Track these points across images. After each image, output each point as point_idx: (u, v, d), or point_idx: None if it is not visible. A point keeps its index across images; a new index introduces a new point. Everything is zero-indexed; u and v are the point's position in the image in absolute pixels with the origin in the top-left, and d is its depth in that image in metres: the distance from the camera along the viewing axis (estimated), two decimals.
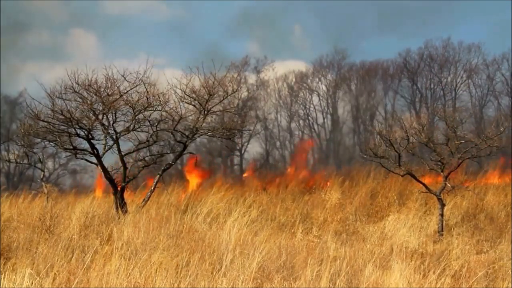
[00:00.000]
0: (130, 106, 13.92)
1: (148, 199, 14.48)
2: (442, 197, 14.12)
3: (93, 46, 55.85)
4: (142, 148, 14.80)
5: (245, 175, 29.44)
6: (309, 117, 45.53)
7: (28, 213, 13.85)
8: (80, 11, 57.67)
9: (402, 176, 15.24)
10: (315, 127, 45.29)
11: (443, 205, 14.05)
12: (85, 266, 8.62)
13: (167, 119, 14.41)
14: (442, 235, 13.48)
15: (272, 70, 45.17)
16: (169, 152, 15.37)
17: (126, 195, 14.61)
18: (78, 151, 14.24)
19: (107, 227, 11.34)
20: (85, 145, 14.19)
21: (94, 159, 14.10)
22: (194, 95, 14.37)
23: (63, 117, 13.34)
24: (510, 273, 9.92)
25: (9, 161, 21.24)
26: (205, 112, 14.41)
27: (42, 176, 18.08)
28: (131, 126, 14.07)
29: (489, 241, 12.62)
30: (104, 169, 13.94)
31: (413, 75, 44.10)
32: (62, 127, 13.70)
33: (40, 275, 8.25)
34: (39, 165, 18.61)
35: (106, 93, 13.65)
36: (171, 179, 23.13)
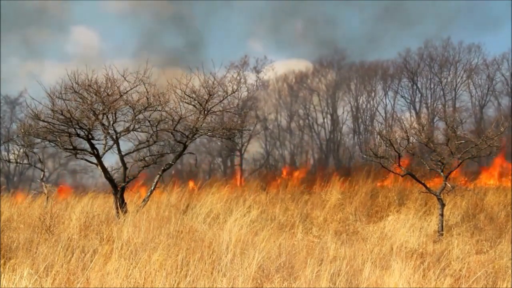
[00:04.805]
0: (130, 106, 13.93)
1: (148, 199, 14.49)
2: (442, 197, 14.13)
3: (94, 45, 55.77)
4: (142, 148, 14.80)
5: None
6: (309, 117, 45.51)
7: (28, 213, 13.85)
8: (81, 9, 57.55)
9: (402, 176, 15.26)
10: (315, 127, 45.28)
11: (443, 205, 14.06)
12: (85, 266, 8.63)
13: (167, 119, 14.41)
14: (442, 235, 13.49)
15: (272, 70, 45.17)
16: (169, 152, 15.37)
17: (125, 195, 14.62)
18: (78, 151, 14.24)
19: (107, 227, 11.35)
20: (85, 145, 14.20)
21: (94, 159, 14.10)
22: (194, 95, 14.37)
23: (63, 117, 13.33)
24: (510, 273, 9.93)
25: (9, 161, 21.23)
26: (205, 112, 14.41)
27: (42, 176, 18.07)
28: (131, 126, 14.08)
29: (489, 241, 12.64)
30: (104, 169, 13.94)
31: (413, 75, 44.06)
32: (62, 127, 13.69)
33: (40, 275, 8.25)
34: (39, 165, 18.61)
35: (106, 93, 13.65)
36: (171, 179, 23.14)
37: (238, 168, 41.71)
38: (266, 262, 8.84)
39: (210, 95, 14.33)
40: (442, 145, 14.49)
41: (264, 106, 45.25)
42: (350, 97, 45.43)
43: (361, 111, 45.19)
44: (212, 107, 14.59)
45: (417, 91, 44.29)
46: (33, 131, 14.09)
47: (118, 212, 13.35)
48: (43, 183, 17.35)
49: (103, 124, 13.72)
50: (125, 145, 15.19)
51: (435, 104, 43.23)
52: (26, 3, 49.86)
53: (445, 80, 43.84)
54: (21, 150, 18.18)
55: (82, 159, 14.68)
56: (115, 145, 14.05)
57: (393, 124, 40.87)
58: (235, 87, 15.22)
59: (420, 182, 14.72)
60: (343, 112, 45.48)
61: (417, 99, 44.22)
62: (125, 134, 14.22)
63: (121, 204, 13.78)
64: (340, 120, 45.31)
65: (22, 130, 14.45)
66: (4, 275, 8.36)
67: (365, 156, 15.50)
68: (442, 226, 13.82)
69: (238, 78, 41.57)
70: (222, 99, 14.75)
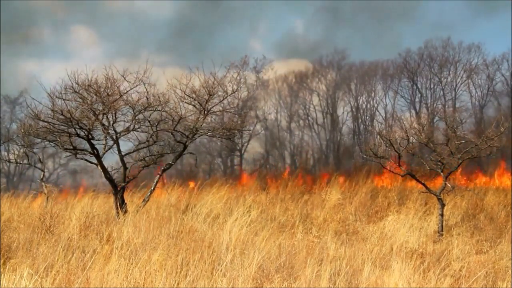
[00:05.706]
0: (130, 106, 13.93)
1: (148, 199, 14.49)
2: (442, 197, 14.13)
3: (94, 44, 55.73)
4: (142, 148, 14.80)
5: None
6: (309, 117, 45.50)
7: (28, 213, 13.86)
8: (82, 8, 57.45)
9: (402, 176, 15.26)
10: (315, 127, 45.26)
11: (443, 205, 14.06)
12: (85, 266, 8.63)
13: (167, 119, 14.41)
14: (442, 235, 13.49)
15: (272, 70, 45.16)
16: (169, 152, 15.37)
17: (125, 194, 14.62)
18: (78, 151, 14.24)
19: (107, 227, 11.35)
20: (85, 145, 14.20)
21: (94, 159, 14.10)
22: (194, 95, 14.37)
23: (63, 117, 13.33)
24: (510, 273, 9.93)
25: (9, 161, 21.22)
26: (205, 112, 14.41)
27: (42, 176, 18.07)
28: (131, 126, 14.08)
29: (489, 241, 12.64)
30: (104, 169, 13.94)
31: (413, 75, 44.04)
32: (62, 127, 13.69)
33: (40, 275, 8.25)
34: (39, 165, 18.60)
35: (106, 93, 13.65)
36: (171, 179, 23.13)
37: (242, 168, 41.71)
38: (266, 262, 8.84)
39: (210, 95, 14.33)
40: (442, 145, 14.48)
41: (264, 106, 45.27)
42: (350, 97, 45.43)
43: (361, 111, 45.19)
44: (212, 107, 14.59)
45: (417, 91, 44.29)
46: (33, 131, 14.09)
47: (118, 212, 13.36)
48: (43, 183, 17.36)
49: (103, 124, 13.73)
50: (125, 145, 15.21)
51: (435, 104, 43.23)
52: (27, 3, 49.87)
53: (445, 80, 43.83)
54: (21, 150, 18.16)
55: (82, 159, 14.69)
56: (115, 145, 14.06)
57: (393, 124, 40.87)
58: (235, 87, 15.23)
59: (420, 182, 14.72)
60: (343, 112, 45.50)
61: (417, 99, 44.22)
62: (125, 134, 14.22)
63: (121, 204, 13.79)
64: (340, 120, 45.31)
65: (22, 130, 14.44)
66: (4, 275, 8.36)
67: (365, 156, 15.50)
68: (442, 226, 13.82)
69: (238, 78, 41.54)
70: (222, 99, 14.75)
